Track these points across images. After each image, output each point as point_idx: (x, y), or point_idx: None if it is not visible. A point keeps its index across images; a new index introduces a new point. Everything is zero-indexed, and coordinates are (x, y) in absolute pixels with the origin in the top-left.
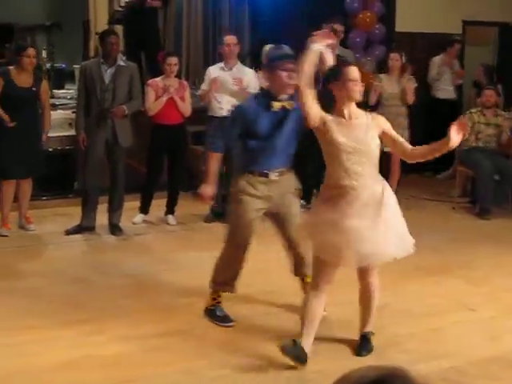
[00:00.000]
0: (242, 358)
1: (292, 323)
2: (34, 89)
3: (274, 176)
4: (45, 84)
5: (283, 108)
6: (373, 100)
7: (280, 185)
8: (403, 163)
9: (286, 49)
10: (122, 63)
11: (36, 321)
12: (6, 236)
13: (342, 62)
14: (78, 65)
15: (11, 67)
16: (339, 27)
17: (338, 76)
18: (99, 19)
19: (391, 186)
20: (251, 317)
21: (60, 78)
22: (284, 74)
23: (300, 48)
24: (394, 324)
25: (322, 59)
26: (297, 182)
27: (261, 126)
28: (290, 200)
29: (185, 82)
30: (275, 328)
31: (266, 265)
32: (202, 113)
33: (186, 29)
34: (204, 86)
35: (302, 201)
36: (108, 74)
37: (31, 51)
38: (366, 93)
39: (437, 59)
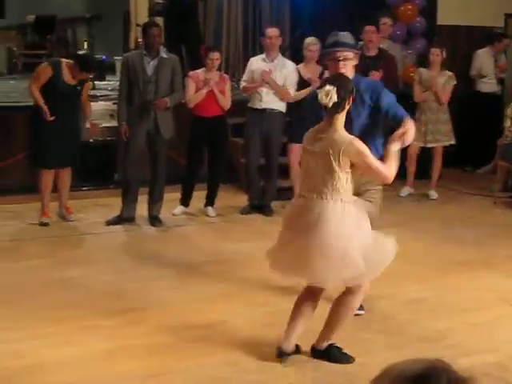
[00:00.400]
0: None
1: None
2: (78, 88)
3: None
4: (88, 84)
5: None
6: (420, 97)
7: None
8: (444, 158)
9: (340, 36)
10: (164, 55)
11: (76, 310)
12: (47, 224)
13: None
14: (118, 56)
15: (64, 60)
16: (387, 20)
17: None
18: (139, 11)
19: (433, 180)
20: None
21: (101, 70)
22: (332, 63)
23: None
24: (434, 318)
25: None
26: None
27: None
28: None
29: (225, 76)
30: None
31: None
32: (241, 105)
33: (227, 21)
34: (245, 77)
35: None
36: (151, 65)
37: (93, 73)
38: (408, 86)
39: (481, 52)
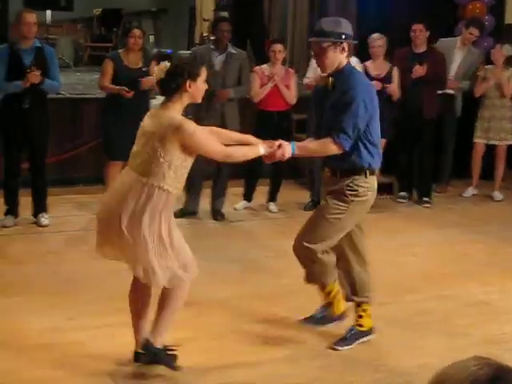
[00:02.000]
0: (347, 348)
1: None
2: (144, 69)
3: (326, 172)
4: (153, 64)
5: (326, 84)
6: (479, 92)
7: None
8: (508, 158)
9: (321, 23)
10: (232, 50)
11: None
12: None
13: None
14: (183, 50)
15: (120, 50)
16: (475, 31)
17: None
18: (205, 5)
19: (497, 181)
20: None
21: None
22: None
23: (405, 38)
24: (498, 321)
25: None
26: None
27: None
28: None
29: (291, 70)
30: (382, 319)
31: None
32: (305, 101)
33: (292, 16)
34: (308, 74)
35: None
36: (218, 60)
37: (136, 31)
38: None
39: None
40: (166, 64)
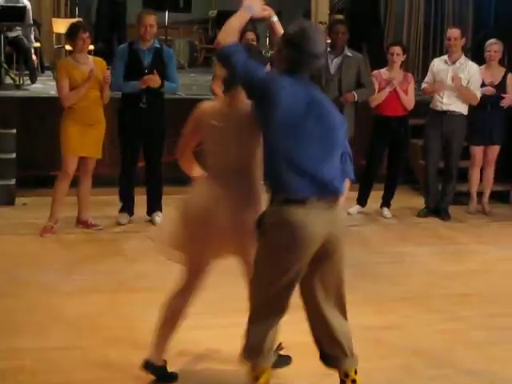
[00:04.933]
0: (460, 358)
1: None
2: None
3: None
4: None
5: None
6: None
7: None
8: None
9: None
10: (348, 53)
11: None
12: None
13: None
14: None
15: None
16: None
17: None
18: (320, 8)
19: None
20: (472, 317)
21: None
22: None
23: None
24: None
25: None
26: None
27: None
28: None
29: (409, 75)
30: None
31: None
32: (421, 106)
33: (407, 19)
34: (427, 79)
35: None
36: (334, 63)
37: (249, 34)
38: None
39: None
40: None
